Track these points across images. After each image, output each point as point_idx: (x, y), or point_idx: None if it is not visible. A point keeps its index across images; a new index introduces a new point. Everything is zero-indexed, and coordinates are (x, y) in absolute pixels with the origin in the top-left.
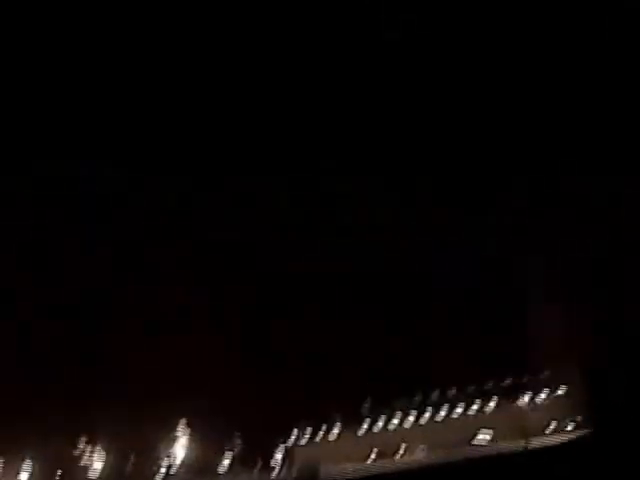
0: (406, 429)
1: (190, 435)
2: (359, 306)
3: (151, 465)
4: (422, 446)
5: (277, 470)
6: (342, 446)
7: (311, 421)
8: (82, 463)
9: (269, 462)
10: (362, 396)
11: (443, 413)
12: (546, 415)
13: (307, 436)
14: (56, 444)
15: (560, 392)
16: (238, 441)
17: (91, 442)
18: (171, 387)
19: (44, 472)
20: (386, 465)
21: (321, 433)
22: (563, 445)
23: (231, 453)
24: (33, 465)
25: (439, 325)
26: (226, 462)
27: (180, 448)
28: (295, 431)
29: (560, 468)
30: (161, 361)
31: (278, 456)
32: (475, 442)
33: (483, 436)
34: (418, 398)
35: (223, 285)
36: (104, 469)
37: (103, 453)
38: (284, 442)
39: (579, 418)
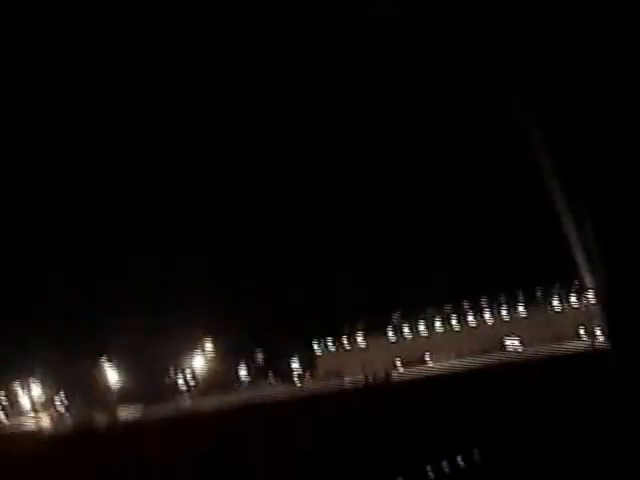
0: (433, 337)
1: (210, 349)
2: (386, 216)
3: (171, 379)
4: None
5: (299, 379)
6: (367, 354)
7: (334, 330)
8: (99, 378)
9: (290, 372)
10: (389, 304)
11: (472, 319)
12: (575, 321)
13: (331, 345)
14: (74, 360)
15: (588, 298)
16: (258, 353)
17: (109, 357)
18: (189, 301)
19: (63, 388)
20: (411, 372)
21: (345, 342)
22: (588, 351)
23: (251, 365)
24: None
25: (467, 234)
26: (245, 373)
27: (201, 361)
28: (317, 340)
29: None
30: (178, 277)
31: (297, 365)
32: (505, 347)
33: (512, 342)
34: (447, 306)
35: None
36: (123, 383)
37: (120, 368)
38: (306, 351)
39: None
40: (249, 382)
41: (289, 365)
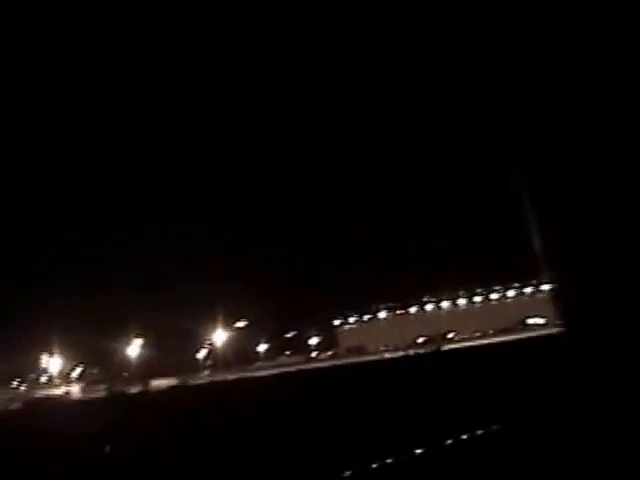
0: (457, 313)
1: (230, 324)
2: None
3: (193, 354)
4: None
5: (318, 353)
6: (389, 329)
7: (357, 306)
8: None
9: (310, 346)
10: (412, 282)
11: (496, 297)
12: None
13: (353, 320)
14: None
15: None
16: (277, 328)
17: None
18: (212, 277)
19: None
20: (434, 348)
21: (367, 317)
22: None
23: (270, 340)
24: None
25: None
26: (264, 348)
27: (221, 337)
28: (339, 316)
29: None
30: (203, 253)
31: (315, 340)
32: (529, 323)
33: (536, 320)
34: (469, 285)
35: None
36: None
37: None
38: (328, 327)
39: None
40: (269, 357)
41: (308, 341)
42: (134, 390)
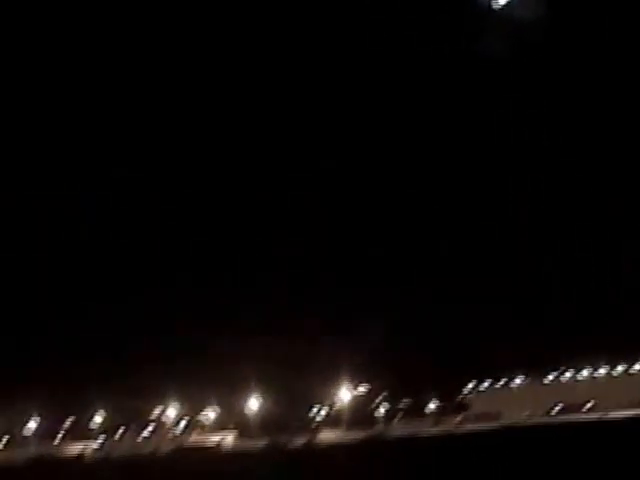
0: (596, 383)
1: (351, 385)
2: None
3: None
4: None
5: (454, 419)
6: (524, 396)
7: (490, 372)
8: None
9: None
10: (550, 348)
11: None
12: None
13: (486, 386)
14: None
15: None
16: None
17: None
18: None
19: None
20: (572, 418)
21: (501, 384)
22: None
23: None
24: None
25: None
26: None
27: (342, 397)
28: (472, 382)
29: None
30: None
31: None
32: None
33: None
34: (608, 353)
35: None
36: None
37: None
38: (460, 392)
39: None
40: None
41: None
42: (299, 442)
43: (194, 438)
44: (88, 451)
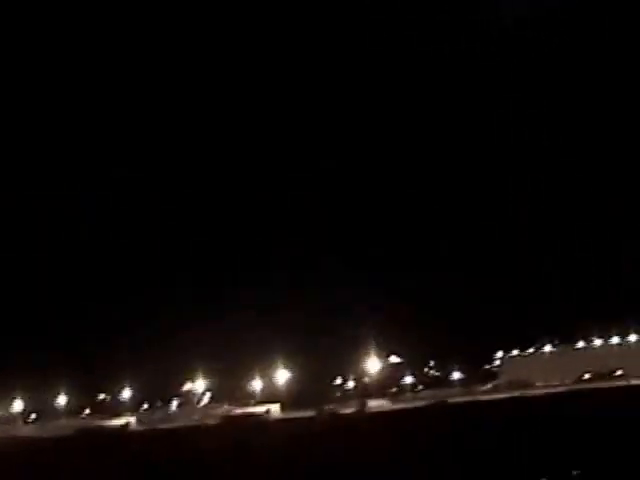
0: (625, 351)
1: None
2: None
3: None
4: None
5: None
6: (554, 364)
7: (520, 341)
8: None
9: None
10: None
11: None
12: None
13: (516, 354)
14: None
15: None
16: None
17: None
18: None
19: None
20: (600, 385)
21: (531, 351)
22: None
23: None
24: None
25: None
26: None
27: (372, 367)
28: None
29: None
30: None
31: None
32: None
33: None
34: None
35: None
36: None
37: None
38: (491, 361)
39: None
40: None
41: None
42: (348, 410)
43: (240, 411)
44: (132, 422)
